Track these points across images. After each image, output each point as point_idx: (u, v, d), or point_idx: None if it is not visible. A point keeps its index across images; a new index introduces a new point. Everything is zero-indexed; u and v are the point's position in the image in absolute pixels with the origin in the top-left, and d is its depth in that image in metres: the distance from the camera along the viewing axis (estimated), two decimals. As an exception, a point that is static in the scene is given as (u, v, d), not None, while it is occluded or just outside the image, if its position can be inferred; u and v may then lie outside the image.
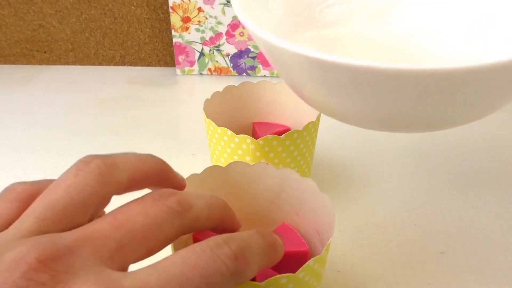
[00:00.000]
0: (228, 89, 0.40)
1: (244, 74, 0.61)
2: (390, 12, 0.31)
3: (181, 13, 0.58)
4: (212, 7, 0.57)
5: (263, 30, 0.21)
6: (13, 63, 0.67)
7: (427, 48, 0.29)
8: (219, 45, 0.60)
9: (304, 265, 0.22)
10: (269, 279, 0.21)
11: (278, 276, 0.21)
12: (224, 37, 0.59)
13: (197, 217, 0.20)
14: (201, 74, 0.62)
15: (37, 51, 0.65)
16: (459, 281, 0.30)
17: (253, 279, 0.22)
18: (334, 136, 0.47)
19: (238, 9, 0.24)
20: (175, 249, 0.25)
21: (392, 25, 0.30)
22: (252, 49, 0.59)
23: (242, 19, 0.23)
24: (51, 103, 0.56)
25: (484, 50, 0.27)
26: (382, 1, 0.31)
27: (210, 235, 0.19)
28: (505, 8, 0.27)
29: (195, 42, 0.60)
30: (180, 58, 0.61)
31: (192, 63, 0.61)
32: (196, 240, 0.29)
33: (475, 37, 0.28)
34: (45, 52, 0.65)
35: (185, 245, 0.29)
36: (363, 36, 0.30)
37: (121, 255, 0.17)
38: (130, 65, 0.66)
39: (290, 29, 0.28)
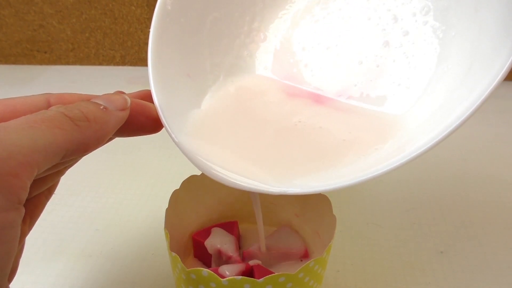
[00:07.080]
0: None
1: (244, 74, 0.61)
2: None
3: (181, 13, 0.58)
4: (212, 7, 0.57)
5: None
6: (14, 63, 0.67)
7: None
8: (219, 45, 0.60)
9: (304, 266, 0.22)
10: (267, 276, 0.21)
11: (276, 274, 0.21)
12: (224, 37, 0.59)
13: None
14: (201, 74, 0.62)
15: (37, 51, 0.65)
16: (459, 281, 0.30)
17: (252, 277, 0.22)
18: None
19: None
20: (172, 250, 0.25)
21: None
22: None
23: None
24: (52, 103, 0.56)
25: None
26: None
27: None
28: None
29: (195, 42, 0.60)
30: (180, 58, 0.61)
31: (192, 63, 0.61)
32: (195, 240, 0.29)
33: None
34: (45, 52, 0.65)
35: (185, 245, 0.29)
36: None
37: None
38: (130, 65, 0.66)
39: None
